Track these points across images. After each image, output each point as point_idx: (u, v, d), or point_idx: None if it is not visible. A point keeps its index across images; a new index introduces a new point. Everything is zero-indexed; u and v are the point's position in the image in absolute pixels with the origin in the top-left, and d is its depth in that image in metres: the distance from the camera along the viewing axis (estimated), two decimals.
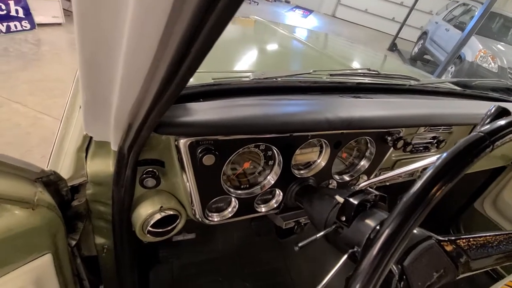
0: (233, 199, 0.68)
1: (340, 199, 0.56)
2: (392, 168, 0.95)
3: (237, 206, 0.68)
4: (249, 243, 1.30)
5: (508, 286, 0.67)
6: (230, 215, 0.68)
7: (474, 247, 0.45)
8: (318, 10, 10.46)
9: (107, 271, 0.78)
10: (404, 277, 0.41)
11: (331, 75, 0.85)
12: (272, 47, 1.40)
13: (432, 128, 0.92)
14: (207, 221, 0.66)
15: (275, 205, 0.74)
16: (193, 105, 0.52)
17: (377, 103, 0.73)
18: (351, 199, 0.51)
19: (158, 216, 0.61)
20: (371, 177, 0.86)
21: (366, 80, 0.91)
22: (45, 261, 0.43)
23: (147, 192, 0.63)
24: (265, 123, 0.55)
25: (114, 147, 0.52)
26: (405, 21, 7.81)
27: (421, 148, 0.99)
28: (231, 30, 1.47)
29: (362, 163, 0.81)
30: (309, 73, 0.83)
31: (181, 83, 0.32)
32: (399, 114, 0.71)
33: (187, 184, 0.59)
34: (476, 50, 5.28)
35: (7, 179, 0.37)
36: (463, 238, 0.46)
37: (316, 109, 0.61)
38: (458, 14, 6.50)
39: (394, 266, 0.42)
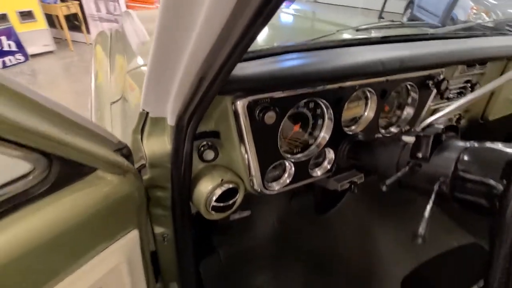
0: (288, 165, 0.66)
1: (409, 139, 0.54)
2: None
3: (293, 171, 0.66)
4: (289, 224, 1.28)
5: None
6: (288, 181, 0.66)
7: None
8: None
9: (166, 262, 0.76)
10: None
11: (357, 30, 0.82)
12: (283, 25, 1.38)
13: (466, 70, 0.89)
14: (267, 191, 0.65)
15: (328, 167, 0.72)
16: (247, 64, 0.51)
17: (416, 45, 0.71)
18: (425, 134, 0.49)
19: (219, 191, 0.59)
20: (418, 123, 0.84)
21: (391, 32, 0.89)
22: (133, 238, 0.41)
23: (204, 168, 0.61)
24: (318, 70, 0.53)
25: (171, 121, 0.50)
26: None
27: (457, 93, 0.97)
28: None
29: (406, 111, 0.79)
30: (335, 33, 0.81)
31: (249, 43, 0.33)
32: (442, 51, 0.69)
33: (245, 151, 0.57)
34: (467, 8, 5.22)
35: (96, 145, 0.35)
36: None
37: (366, 54, 0.59)
38: None
39: (496, 184, 0.40)
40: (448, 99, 0.94)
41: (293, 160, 0.65)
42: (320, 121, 0.66)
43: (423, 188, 0.50)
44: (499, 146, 0.44)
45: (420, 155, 0.50)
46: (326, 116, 0.65)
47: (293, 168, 0.66)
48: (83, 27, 4.37)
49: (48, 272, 0.32)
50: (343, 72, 0.56)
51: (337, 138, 0.69)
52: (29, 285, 0.31)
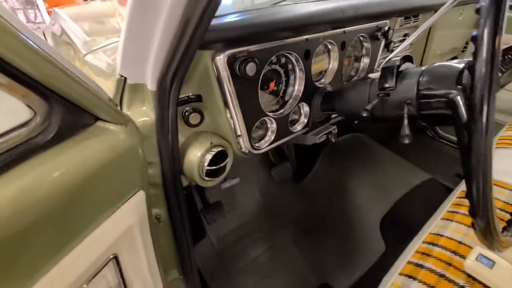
0: (269, 123, 0.68)
1: (375, 74, 0.60)
2: None
3: (275, 128, 0.69)
4: (271, 196, 1.32)
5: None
6: (272, 138, 0.69)
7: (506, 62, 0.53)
8: None
9: (163, 247, 0.74)
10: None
11: None
12: None
13: (403, 23, 1.01)
14: (255, 151, 0.66)
15: (305, 121, 0.76)
16: (223, 18, 0.51)
17: None
18: (389, 65, 0.56)
19: (210, 156, 0.59)
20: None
21: None
22: (140, 199, 0.40)
23: (191, 136, 0.60)
24: (287, 18, 0.57)
25: (152, 86, 0.49)
26: None
27: (397, 46, 1.09)
28: None
29: (363, 61, 0.87)
30: None
31: None
32: (386, 1, 0.78)
33: (229, 110, 0.57)
34: None
35: (93, 93, 0.32)
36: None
37: (328, 4, 0.64)
38: None
39: (453, 91, 0.47)
40: (392, 51, 1.05)
41: (274, 117, 0.67)
42: (292, 77, 0.70)
43: (394, 115, 0.56)
44: (448, 62, 0.52)
45: (387, 85, 0.56)
46: (297, 69, 0.68)
47: (275, 125, 0.69)
48: None
49: (57, 236, 0.30)
50: (310, 19, 0.60)
51: (309, 92, 0.73)
52: (36, 253, 0.28)
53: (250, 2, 1.26)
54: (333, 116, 0.84)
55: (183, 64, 0.44)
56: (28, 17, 4.42)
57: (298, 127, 0.76)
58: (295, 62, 0.67)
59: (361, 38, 0.83)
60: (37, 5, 4.07)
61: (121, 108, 0.51)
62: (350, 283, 1.03)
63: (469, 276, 0.61)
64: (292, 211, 1.29)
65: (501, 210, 0.77)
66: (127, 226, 0.37)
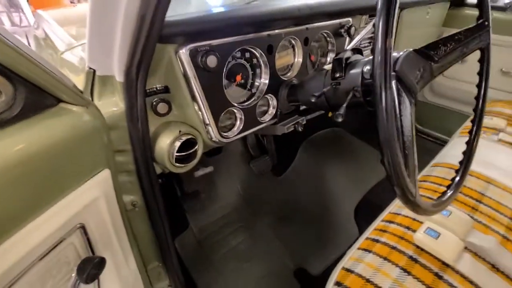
0: (238, 114, 0.73)
1: (328, 66, 0.66)
2: None
3: (243, 118, 0.74)
4: (252, 188, 1.37)
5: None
6: (241, 128, 0.74)
7: (438, 51, 0.59)
8: None
9: (141, 235, 0.78)
10: (399, 77, 0.52)
11: None
12: None
13: (369, 21, 1.07)
14: (224, 139, 0.71)
15: (273, 112, 0.81)
16: (184, 15, 0.56)
17: None
18: (339, 57, 0.62)
19: (179, 143, 0.64)
20: None
21: None
22: (106, 176, 0.44)
23: (161, 125, 0.65)
24: (248, 14, 0.62)
25: (119, 77, 0.53)
26: None
27: (366, 43, 1.16)
28: None
29: (330, 56, 0.93)
30: None
31: None
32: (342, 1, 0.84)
33: (195, 100, 0.62)
34: None
35: (55, 80, 0.37)
36: (429, 47, 0.59)
37: (287, 3, 0.70)
38: None
39: (393, 74, 0.53)
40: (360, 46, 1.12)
41: (241, 107, 0.73)
42: (258, 70, 0.75)
43: (344, 101, 0.62)
44: None
45: (337, 75, 0.62)
46: (262, 63, 0.74)
47: (243, 116, 0.74)
48: None
49: (22, 203, 0.34)
50: (268, 16, 0.66)
51: (276, 84, 0.79)
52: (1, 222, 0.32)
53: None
54: (301, 108, 0.90)
55: (145, 57, 0.49)
56: (13, 20, 4.36)
57: (267, 118, 0.81)
58: (259, 56, 0.72)
59: (325, 34, 0.89)
60: (21, 8, 4.03)
61: (92, 99, 0.56)
62: (325, 266, 1.08)
63: (418, 247, 0.67)
64: (272, 202, 1.35)
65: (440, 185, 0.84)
66: (92, 199, 0.41)
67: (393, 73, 0.53)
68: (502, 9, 1.48)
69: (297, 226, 1.25)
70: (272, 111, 0.82)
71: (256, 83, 0.76)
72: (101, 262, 0.42)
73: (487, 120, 1.19)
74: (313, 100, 0.61)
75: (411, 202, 0.46)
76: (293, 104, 0.84)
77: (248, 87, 0.76)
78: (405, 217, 0.77)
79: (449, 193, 0.57)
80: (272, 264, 1.10)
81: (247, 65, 0.73)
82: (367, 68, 0.58)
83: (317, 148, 1.52)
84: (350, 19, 0.92)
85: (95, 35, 0.46)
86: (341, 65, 0.61)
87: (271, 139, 1.46)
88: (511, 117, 1.22)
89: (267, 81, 0.76)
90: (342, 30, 0.91)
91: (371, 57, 0.62)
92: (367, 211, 1.22)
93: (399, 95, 0.51)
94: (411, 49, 0.57)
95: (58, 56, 0.82)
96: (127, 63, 0.51)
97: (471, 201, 0.80)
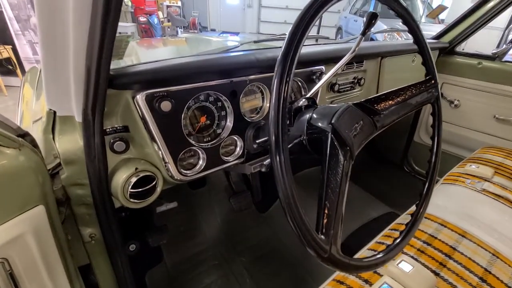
0: (200, 153, 0.76)
1: None
2: None
3: (206, 157, 0.77)
4: (233, 223, 1.35)
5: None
6: (203, 167, 0.76)
7: (381, 105, 0.61)
8: (243, 30, 11.22)
9: (100, 267, 0.79)
10: (335, 130, 0.53)
11: (255, 42, 1.00)
12: (203, 46, 1.55)
13: (344, 69, 1.12)
14: (182, 177, 0.73)
15: (240, 152, 0.84)
16: (141, 65, 0.62)
17: None
18: (288, 107, 0.65)
19: (134, 179, 0.66)
20: None
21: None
22: (39, 213, 0.46)
23: (120, 162, 0.68)
24: (208, 64, 0.67)
25: (78, 118, 0.58)
26: (320, 23, 8.79)
27: (348, 87, 1.19)
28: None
29: (303, 100, 0.96)
30: (237, 46, 0.97)
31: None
32: (309, 52, 0.89)
33: (154, 141, 0.66)
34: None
35: None
36: (371, 101, 0.61)
37: (248, 53, 0.76)
38: (360, 6, 7.57)
39: (327, 127, 0.54)
40: (340, 91, 1.15)
41: (203, 147, 0.76)
42: (223, 112, 0.79)
43: (292, 147, 0.64)
44: (331, 105, 0.61)
45: (287, 122, 0.64)
46: (227, 107, 0.78)
47: (205, 155, 0.77)
48: (18, 71, 4.20)
49: None
50: (230, 65, 0.71)
51: (242, 126, 0.82)
52: None
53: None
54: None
55: (98, 102, 0.54)
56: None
57: (232, 158, 0.83)
58: (223, 101, 0.77)
59: (297, 80, 0.93)
60: None
61: (53, 137, 0.61)
62: None
63: None
64: (252, 239, 1.32)
65: (426, 243, 0.80)
66: (18, 234, 0.44)
67: (329, 126, 0.55)
68: (491, 58, 1.50)
69: (274, 267, 1.21)
70: (238, 151, 0.84)
71: (222, 124, 0.80)
72: None
73: (473, 168, 1.15)
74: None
75: (324, 259, 0.45)
76: (259, 145, 0.86)
77: (214, 127, 0.79)
78: None
79: (380, 255, 0.55)
80: None
81: (213, 108, 0.77)
82: (314, 115, 0.60)
83: (303, 186, 1.50)
84: (323, 67, 0.97)
85: (51, 83, 0.52)
86: (291, 114, 0.64)
87: (256, 174, 1.46)
88: (500, 165, 1.17)
89: (231, 124, 0.79)
90: (314, 77, 0.95)
91: (319, 106, 0.65)
92: (346, 255, 1.17)
93: (332, 148, 0.52)
94: (351, 103, 0.60)
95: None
96: (83, 106, 0.56)
97: (440, 255, 0.76)
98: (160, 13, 7.87)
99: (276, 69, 0.46)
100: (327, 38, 1.32)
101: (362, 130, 0.56)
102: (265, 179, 1.50)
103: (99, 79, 0.49)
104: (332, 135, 0.53)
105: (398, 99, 0.62)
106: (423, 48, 0.67)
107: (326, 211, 0.47)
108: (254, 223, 1.39)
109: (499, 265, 0.74)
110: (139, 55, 1.26)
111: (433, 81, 0.67)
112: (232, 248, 1.27)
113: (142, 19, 7.04)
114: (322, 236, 0.46)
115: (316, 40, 1.44)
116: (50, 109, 0.57)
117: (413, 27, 0.66)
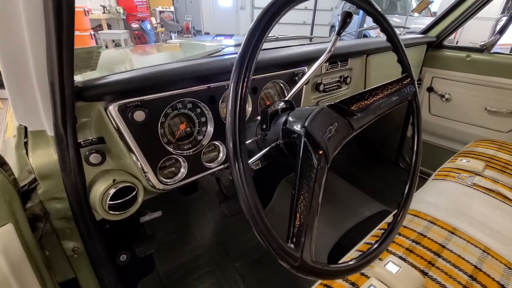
0: (181, 160, 0.75)
1: (259, 117, 0.68)
2: None
3: (187, 165, 0.76)
4: (226, 228, 1.34)
5: None
6: (183, 177, 0.75)
7: (356, 105, 0.60)
8: (238, 32, 11.24)
9: (85, 279, 0.78)
10: (308, 133, 0.52)
11: (236, 45, 0.99)
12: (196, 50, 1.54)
13: (329, 68, 1.11)
14: (163, 186, 0.72)
15: (223, 158, 0.83)
16: (112, 76, 0.61)
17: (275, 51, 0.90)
18: (264, 109, 0.64)
19: (113, 190, 0.65)
20: None
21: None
22: (7, 231, 0.46)
23: (98, 174, 0.67)
24: (185, 71, 0.66)
25: (50, 132, 0.57)
26: (313, 21, 8.79)
27: (334, 86, 1.18)
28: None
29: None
30: (219, 51, 0.97)
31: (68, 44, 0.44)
32: (293, 53, 0.88)
33: (131, 151, 0.65)
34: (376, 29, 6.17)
35: None
36: (346, 102, 0.60)
37: (224, 58, 0.75)
38: None
39: (300, 130, 0.53)
40: (325, 91, 1.14)
41: (184, 155, 0.75)
42: (203, 119, 0.78)
43: (269, 152, 0.63)
44: (307, 107, 0.60)
45: (264, 126, 0.63)
46: (207, 113, 0.77)
47: (186, 163, 0.76)
48: None
49: None
50: (205, 72, 0.71)
51: (224, 131, 0.81)
52: None
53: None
54: None
55: (68, 116, 0.53)
56: None
57: (214, 164, 0.82)
58: (202, 107, 0.76)
59: (279, 82, 0.92)
60: None
61: (26, 152, 0.60)
62: None
63: None
64: (246, 243, 1.30)
65: (414, 242, 0.78)
66: None
67: (302, 129, 0.54)
68: (480, 50, 1.49)
69: (268, 270, 1.19)
70: (222, 157, 0.83)
71: (203, 130, 0.79)
72: None
73: (463, 162, 1.14)
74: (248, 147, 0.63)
75: (294, 268, 0.44)
76: None
77: (195, 134, 0.78)
78: None
79: (353, 262, 0.53)
80: None
81: (192, 115, 0.76)
82: (289, 118, 0.59)
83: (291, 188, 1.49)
84: (305, 67, 0.96)
85: (16, 98, 0.51)
86: (267, 118, 0.63)
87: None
88: (492, 158, 1.16)
89: (212, 129, 0.78)
90: (297, 78, 0.94)
91: (295, 110, 0.64)
92: (340, 256, 1.16)
93: (305, 151, 0.51)
94: (326, 105, 0.58)
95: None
96: (53, 121, 0.55)
97: (429, 254, 0.74)
98: (153, 18, 7.88)
99: (232, 74, 0.45)
100: (309, 37, 1.31)
101: (337, 132, 0.55)
102: (254, 182, 1.48)
103: (65, 93, 0.48)
104: (305, 139, 0.52)
105: (374, 98, 0.61)
106: (396, 46, 0.66)
107: (297, 218, 0.46)
108: (246, 227, 1.37)
109: (490, 261, 0.73)
110: (132, 62, 1.25)
111: (409, 79, 0.66)
112: (225, 254, 1.26)
113: (135, 25, 7.03)
114: (292, 245, 0.45)
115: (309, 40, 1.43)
116: (21, 125, 0.56)
117: (384, 26, 0.65)
